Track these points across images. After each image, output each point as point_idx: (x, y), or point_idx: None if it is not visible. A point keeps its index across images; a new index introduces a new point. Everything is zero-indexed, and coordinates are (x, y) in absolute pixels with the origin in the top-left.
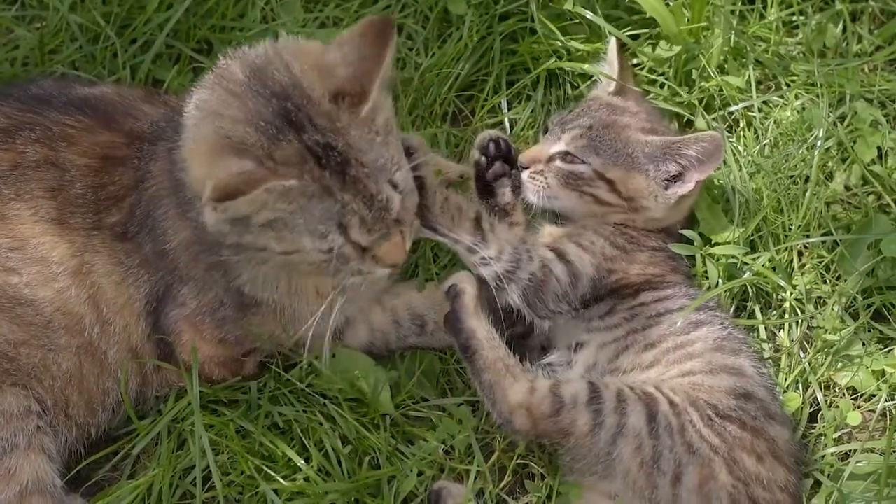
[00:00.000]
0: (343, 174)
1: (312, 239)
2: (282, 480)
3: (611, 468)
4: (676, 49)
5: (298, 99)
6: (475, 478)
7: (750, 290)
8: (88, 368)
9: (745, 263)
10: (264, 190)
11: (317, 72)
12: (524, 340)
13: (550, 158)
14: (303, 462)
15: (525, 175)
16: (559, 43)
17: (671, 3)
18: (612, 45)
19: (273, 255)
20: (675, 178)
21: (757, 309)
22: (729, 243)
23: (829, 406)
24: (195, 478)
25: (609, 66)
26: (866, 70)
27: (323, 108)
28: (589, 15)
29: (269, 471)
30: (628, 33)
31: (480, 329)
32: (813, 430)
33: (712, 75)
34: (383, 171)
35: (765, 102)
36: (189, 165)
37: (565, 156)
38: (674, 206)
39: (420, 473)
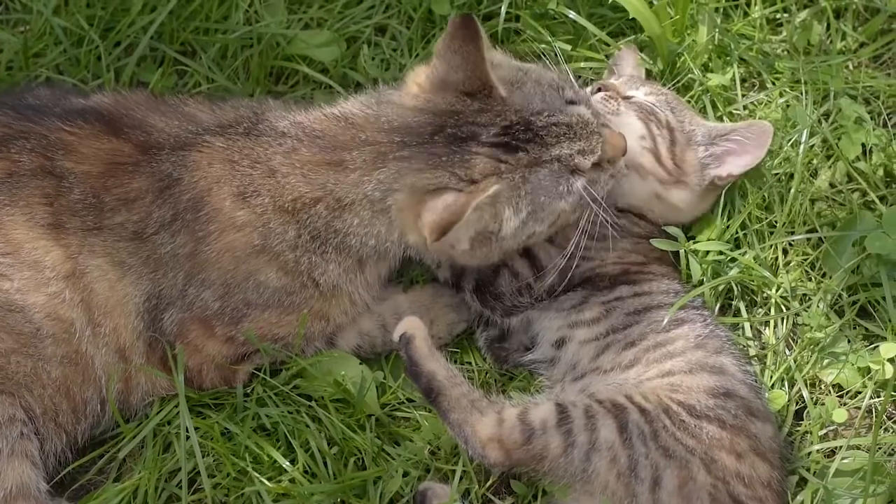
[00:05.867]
0: (537, 135)
1: (562, 199)
2: (267, 482)
3: (589, 483)
4: (661, 65)
5: (451, 119)
6: (461, 478)
7: (735, 288)
8: (73, 378)
9: (734, 259)
10: (473, 210)
11: (438, 93)
12: (502, 344)
13: (627, 98)
14: (288, 463)
15: (599, 96)
16: (544, 45)
17: (656, 2)
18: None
19: (537, 237)
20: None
21: (742, 307)
22: (711, 240)
23: (815, 403)
24: (181, 480)
25: (631, 68)
26: (850, 67)
27: (474, 108)
28: (572, 15)
29: (254, 472)
30: (621, 39)
31: (440, 370)
32: (799, 428)
33: (700, 74)
34: (555, 100)
35: (752, 103)
36: (406, 231)
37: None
38: (700, 196)
39: (406, 474)
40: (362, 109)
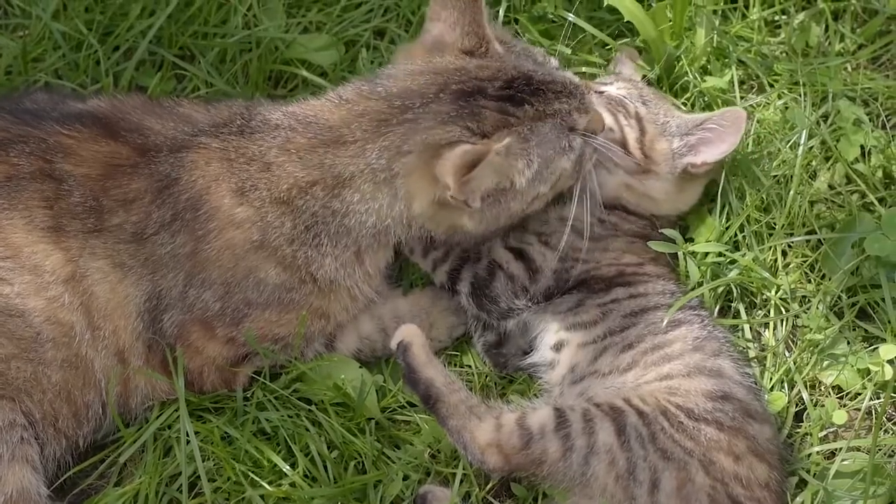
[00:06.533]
0: (537, 89)
1: (565, 155)
2: (268, 486)
3: (588, 487)
4: (658, 68)
5: (455, 76)
6: (461, 481)
7: (735, 290)
8: (73, 382)
9: (734, 261)
10: (495, 153)
11: (435, 55)
12: (500, 349)
13: (599, 92)
14: (288, 468)
15: None
16: (542, 48)
17: (654, 5)
18: (627, 56)
19: (539, 201)
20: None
21: (741, 308)
22: (710, 241)
23: (815, 405)
24: (182, 484)
25: (629, 71)
26: (849, 69)
27: (475, 64)
28: (570, 17)
29: (255, 477)
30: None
31: (438, 376)
32: (798, 430)
33: (695, 77)
34: (547, 63)
35: (750, 105)
36: (413, 198)
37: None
38: (676, 187)
39: (406, 477)
40: (356, 88)
